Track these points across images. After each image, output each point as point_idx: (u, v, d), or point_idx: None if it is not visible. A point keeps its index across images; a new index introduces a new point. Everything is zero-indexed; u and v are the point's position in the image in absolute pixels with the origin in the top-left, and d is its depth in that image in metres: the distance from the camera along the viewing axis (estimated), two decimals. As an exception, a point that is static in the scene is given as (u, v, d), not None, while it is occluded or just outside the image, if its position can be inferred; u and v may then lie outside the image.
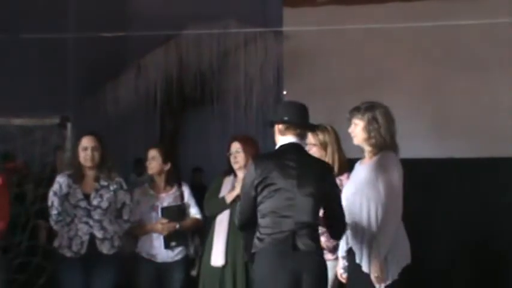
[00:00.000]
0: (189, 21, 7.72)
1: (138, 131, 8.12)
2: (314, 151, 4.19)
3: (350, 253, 3.85)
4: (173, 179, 4.74)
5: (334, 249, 4.10)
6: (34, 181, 5.78)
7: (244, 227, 3.57)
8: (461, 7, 7.06)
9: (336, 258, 4.17)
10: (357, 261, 3.78)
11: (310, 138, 4.23)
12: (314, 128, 4.00)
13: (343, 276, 4.01)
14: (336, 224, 3.54)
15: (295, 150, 3.51)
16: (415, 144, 6.06)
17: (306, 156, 3.57)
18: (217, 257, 4.38)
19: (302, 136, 3.57)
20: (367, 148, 3.87)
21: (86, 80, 7.93)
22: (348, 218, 3.71)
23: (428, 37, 7.11)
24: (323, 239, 3.90)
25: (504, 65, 7.13)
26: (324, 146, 4.25)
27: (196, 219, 4.72)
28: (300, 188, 3.41)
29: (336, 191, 3.56)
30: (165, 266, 4.58)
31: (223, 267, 4.35)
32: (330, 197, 3.49)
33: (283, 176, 3.42)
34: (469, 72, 7.12)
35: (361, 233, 3.75)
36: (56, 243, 4.34)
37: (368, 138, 3.80)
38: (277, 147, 3.57)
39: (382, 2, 7.39)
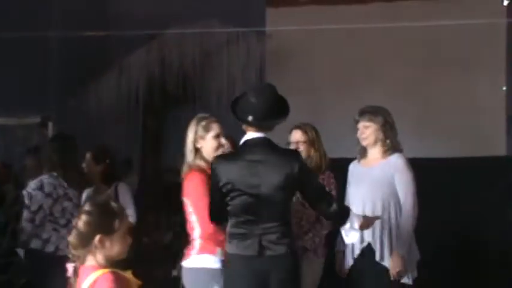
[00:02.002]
0: (172, 21, 7.69)
1: (121, 131, 8.06)
2: (302, 149, 4.26)
3: (366, 251, 3.92)
4: (109, 179, 4.75)
5: (318, 250, 4.13)
6: (14, 181, 5.73)
7: (217, 223, 3.52)
8: (444, 7, 7.09)
9: (318, 258, 4.20)
10: (377, 259, 3.88)
11: (299, 135, 4.30)
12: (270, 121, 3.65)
13: (343, 272, 4.07)
14: (325, 207, 3.41)
15: (259, 145, 3.39)
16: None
17: (271, 150, 3.41)
18: None
19: (265, 128, 3.44)
20: (379, 149, 4.00)
21: (67, 80, 7.86)
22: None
23: (410, 37, 7.13)
24: (310, 235, 3.95)
25: (486, 65, 7.18)
26: (311, 143, 4.32)
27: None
28: (265, 186, 3.31)
29: (310, 176, 3.46)
30: None
31: None
32: (304, 183, 3.38)
33: (245, 178, 3.33)
34: (452, 72, 7.15)
35: (381, 231, 3.86)
36: None
37: (384, 139, 3.95)
38: (241, 142, 3.49)
39: (365, 2, 7.41)
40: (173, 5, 7.90)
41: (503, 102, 7.31)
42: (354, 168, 4.23)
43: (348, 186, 4.28)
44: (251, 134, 3.42)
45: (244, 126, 3.46)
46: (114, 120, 8.09)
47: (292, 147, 4.35)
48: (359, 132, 4.13)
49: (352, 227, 3.43)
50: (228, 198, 3.36)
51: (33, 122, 5.42)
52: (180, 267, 4.57)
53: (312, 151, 4.32)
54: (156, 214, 8.00)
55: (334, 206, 3.41)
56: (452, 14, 6.86)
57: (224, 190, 3.36)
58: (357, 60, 7.35)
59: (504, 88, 7.30)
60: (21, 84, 7.22)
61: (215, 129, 3.73)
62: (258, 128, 3.40)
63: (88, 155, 4.75)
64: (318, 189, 3.45)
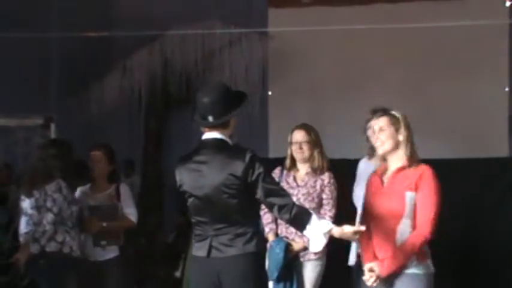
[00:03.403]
0: (174, 21, 7.69)
1: (123, 132, 8.07)
2: (305, 149, 4.25)
3: None
4: (113, 179, 4.78)
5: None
6: (16, 182, 5.75)
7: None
8: (446, 9, 7.09)
9: (318, 258, 4.20)
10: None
11: (302, 135, 4.29)
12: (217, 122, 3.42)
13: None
14: (276, 211, 3.23)
15: (209, 145, 3.32)
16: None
17: (219, 150, 3.31)
18: None
19: (221, 127, 3.33)
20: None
21: (70, 81, 7.88)
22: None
23: (412, 38, 7.13)
24: None
25: (488, 66, 7.19)
26: (314, 143, 4.31)
27: (129, 220, 4.76)
28: (209, 187, 3.26)
29: (259, 177, 3.23)
30: (98, 265, 4.63)
31: None
32: (250, 184, 3.23)
33: (192, 179, 3.30)
34: (454, 73, 7.16)
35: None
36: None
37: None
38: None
39: (366, 3, 7.41)
40: (175, 5, 7.91)
41: (506, 102, 7.31)
42: (364, 165, 4.20)
43: (356, 183, 4.25)
44: (206, 135, 3.38)
45: (201, 128, 3.41)
46: (116, 121, 8.10)
47: (294, 147, 4.36)
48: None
49: (319, 234, 3.24)
50: (186, 199, 3.37)
51: (36, 123, 5.43)
52: (183, 267, 4.60)
53: (315, 151, 4.33)
54: (158, 215, 8.01)
55: (290, 211, 3.20)
56: (455, 15, 6.86)
57: (181, 191, 3.37)
58: (358, 61, 7.36)
59: (507, 89, 7.30)
60: (24, 85, 7.23)
61: None
62: (212, 128, 3.34)
63: (99, 154, 4.76)
64: (270, 191, 3.24)
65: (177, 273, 5.26)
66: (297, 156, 4.37)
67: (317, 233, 3.24)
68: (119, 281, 4.74)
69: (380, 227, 3.41)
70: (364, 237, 3.48)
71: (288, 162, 4.42)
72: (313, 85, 7.42)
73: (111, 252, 4.72)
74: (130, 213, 4.81)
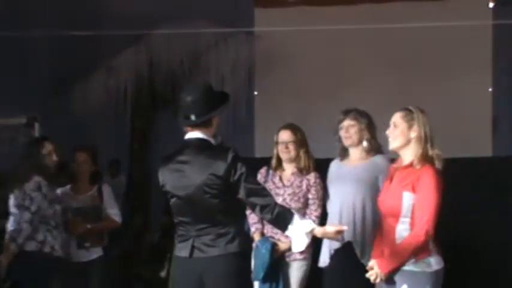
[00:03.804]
0: (160, 21, 7.68)
1: (108, 131, 8.05)
2: (291, 149, 4.29)
3: (345, 249, 3.92)
4: (96, 180, 4.78)
5: (304, 249, 4.13)
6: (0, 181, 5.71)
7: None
8: (429, 10, 7.14)
9: (304, 258, 4.22)
10: (358, 257, 3.88)
11: (288, 135, 4.33)
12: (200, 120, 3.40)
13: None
14: (258, 211, 3.24)
15: (192, 145, 3.32)
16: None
17: (202, 150, 3.31)
18: None
19: (204, 126, 3.34)
20: (361, 149, 4.03)
21: (54, 80, 7.84)
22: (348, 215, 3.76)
23: (398, 38, 7.17)
24: None
25: (472, 66, 7.24)
26: (300, 143, 4.35)
27: (113, 221, 4.76)
28: (190, 187, 3.26)
29: (241, 177, 3.23)
30: (81, 266, 4.62)
31: None
32: (232, 184, 3.23)
33: (174, 179, 3.30)
34: (438, 73, 7.21)
35: (361, 229, 3.86)
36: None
37: (369, 139, 4.00)
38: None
39: (353, 3, 7.44)
40: (162, 5, 7.89)
41: (490, 103, 7.37)
42: (335, 167, 4.25)
43: (328, 184, 4.28)
44: (189, 134, 3.38)
45: (184, 128, 3.41)
46: (101, 121, 8.07)
47: (280, 147, 4.37)
48: (343, 131, 4.14)
49: (301, 234, 3.25)
50: (169, 200, 3.38)
51: (19, 123, 5.41)
52: (168, 267, 4.60)
53: (301, 151, 4.35)
54: (144, 215, 8.00)
55: (272, 210, 3.21)
56: (439, 16, 6.91)
57: (164, 191, 3.38)
58: (344, 61, 7.39)
59: (490, 89, 7.36)
60: (7, 84, 7.19)
61: None
62: (195, 127, 3.34)
63: (84, 155, 4.75)
64: (252, 191, 3.23)
65: (163, 273, 5.26)
66: (283, 156, 4.38)
67: (299, 232, 3.26)
68: (102, 281, 4.73)
69: (384, 225, 3.46)
70: (378, 234, 3.54)
71: (274, 162, 4.44)
72: (299, 85, 7.44)
73: (95, 253, 4.71)
74: (114, 213, 4.81)
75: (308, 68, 7.49)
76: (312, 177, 4.32)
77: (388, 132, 3.49)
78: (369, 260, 3.87)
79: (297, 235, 3.27)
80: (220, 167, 3.23)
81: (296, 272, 4.25)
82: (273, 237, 4.29)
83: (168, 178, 3.34)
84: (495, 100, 7.41)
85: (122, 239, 6.52)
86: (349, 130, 4.13)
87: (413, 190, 3.32)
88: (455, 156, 6.43)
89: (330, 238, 3.50)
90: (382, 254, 3.44)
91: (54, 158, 4.48)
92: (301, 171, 4.34)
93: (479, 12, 7.19)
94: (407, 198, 3.33)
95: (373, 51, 7.34)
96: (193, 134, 3.35)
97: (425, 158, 3.38)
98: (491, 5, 7.28)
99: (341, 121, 4.17)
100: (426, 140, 3.41)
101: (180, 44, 7.75)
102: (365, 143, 4.11)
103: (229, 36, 7.81)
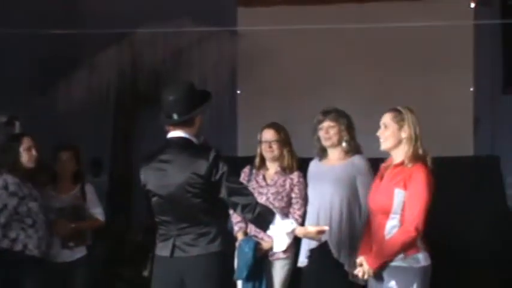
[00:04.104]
0: (143, 19, 7.65)
1: (91, 130, 8.01)
2: (275, 148, 4.30)
3: (322, 249, 3.94)
4: (78, 179, 4.76)
5: (287, 248, 4.14)
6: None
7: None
8: (411, 9, 7.18)
9: (287, 257, 4.24)
10: (335, 256, 3.89)
11: (271, 134, 4.33)
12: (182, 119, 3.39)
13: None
14: (239, 210, 3.25)
15: (174, 144, 3.32)
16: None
17: (183, 149, 3.32)
18: None
19: (186, 125, 3.34)
20: (341, 150, 4.05)
21: (36, 78, 7.78)
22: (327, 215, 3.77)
23: (379, 38, 7.20)
24: None
25: (454, 66, 7.29)
26: (284, 142, 4.35)
27: (97, 220, 4.75)
28: (172, 186, 3.26)
29: (222, 177, 3.23)
30: (65, 266, 4.59)
31: None
32: (213, 184, 3.23)
33: (156, 178, 3.30)
34: (417, 74, 7.25)
35: (338, 229, 3.88)
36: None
37: (348, 140, 4.00)
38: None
39: (336, 3, 7.46)
40: (145, 3, 7.87)
41: (471, 103, 7.43)
42: (314, 166, 4.27)
43: (307, 184, 4.30)
44: (171, 133, 3.38)
45: (166, 127, 3.40)
46: (84, 120, 8.04)
47: (264, 146, 4.38)
48: (322, 132, 4.15)
49: (283, 234, 3.26)
50: (151, 199, 3.38)
51: (0, 121, 5.38)
52: (151, 267, 4.59)
53: (285, 150, 4.36)
54: (127, 214, 7.97)
55: (253, 210, 3.21)
56: (421, 16, 6.94)
57: (146, 191, 3.38)
58: (327, 60, 7.40)
59: (471, 89, 7.42)
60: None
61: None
62: (177, 126, 3.34)
63: (68, 154, 4.72)
64: (233, 190, 3.24)
65: (145, 273, 5.24)
66: (267, 155, 4.39)
67: (280, 232, 3.27)
68: (86, 280, 4.71)
69: (374, 221, 3.51)
70: (365, 232, 3.59)
71: (257, 161, 4.44)
72: (282, 84, 7.44)
73: (79, 253, 4.69)
74: (98, 212, 4.80)
75: (291, 67, 7.50)
76: (295, 176, 4.34)
77: (378, 133, 3.55)
78: (346, 258, 3.89)
79: (278, 235, 3.29)
80: (202, 166, 3.23)
81: (279, 271, 4.26)
82: (256, 237, 4.30)
83: (150, 177, 3.34)
84: (476, 100, 7.47)
85: (105, 238, 6.51)
86: (329, 131, 4.13)
87: (405, 187, 3.38)
88: (436, 155, 6.49)
89: (311, 238, 3.52)
90: (370, 251, 3.48)
91: (34, 152, 4.43)
92: (285, 170, 4.36)
93: (461, 13, 7.25)
94: (399, 195, 3.39)
95: (356, 50, 7.37)
96: (175, 133, 3.35)
97: (416, 157, 3.46)
98: (472, 5, 7.34)
99: (320, 122, 4.16)
100: (416, 139, 3.49)
101: (162, 43, 7.73)
102: (344, 144, 4.12)
103: (212, 35, 7.79)
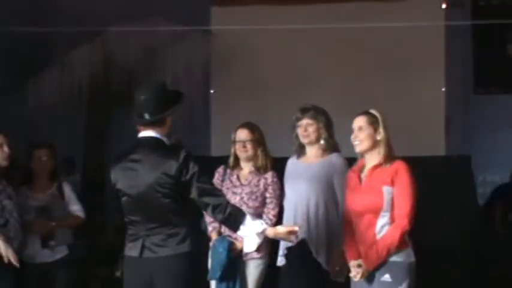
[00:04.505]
0: (116, 18, 7.60)
1: (63, 129, 7.93)
2: (249, 147, 4.30)
3: (299, 247, 3.95)
4: (55, 177, 4.72)
5: (261, 249, 4.15)
6: None
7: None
8: (384, 9, 7.23)
9: (261, 257, 4.24)
10: (314, 255, 3.91)
11: (246, 134, 4.33)
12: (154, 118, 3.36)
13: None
14: (210, 211, 3.25)
15: (145, 144, 3.32)
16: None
17: (154, 149, 3.31)
18: None
19: (157, 125, 3.32)
20: (318, 147, 4.06)
21: (7, 77, 7.68)
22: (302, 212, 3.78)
23: (353, 38, 7.24)
24: None
25: (426, 66, 7.36)
26: (258, 142, 4.35)
27: (77, 217, 4.72)
28: (142, 186, 3.25)
29: (193, 177, 3.23)
30: (46, 267, 4.53)
31: None
32: (183, 184, 3.23)
33: (126, 178, 3.30)
34: (390, 73, 7.30)
35: (316, 227, 3.89)
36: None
37: (327, 138, 4.01)
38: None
39: (310, 3, 7.48)
40: (118, 2, 7.82)
41: (443, 103, 7.50)
42: (292, 164, 4.28)
43: (284, 182, 4.30)
44: (142, 133, 3.37)
45: (137, 127, 3.39)
46: (56, 119, 7.96)
47: (238, 146, 4.38)
48: (301, 130, 4.17)
49: (253, 234, 3.27)
50: (120, 199, 3.36)
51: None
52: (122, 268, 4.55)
53: (259, 150, 4.36)
54: (100, 214, 7.90)
55: (224, 210, 3.21)
56: (393, 16, 7.00)
57: (115, 190, 3.36)
58: (301, 60, 7.43)
59: (443, 89, 7.50)
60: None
61: None
62: (148, 126, 3.32)
63: (45, 152, 4.66)
64: (204, 191, 3.24)
65: (118, 273, 5.20)
66: (241, 155, 4.39)
67: (250, 233, 3.27)
68: (68, 280, 4.66)
69: (361, 222, 3.54)
70: (347, 234, 3.59)
71: (231, 160, 4.44)
72: (256, 84, 7.45)
73: (60, 252, 4.63)
74: (78, 210, 4.75)
75: (265, 66, 7.51)
76: (269, 176, 4.34)
77: (353, 137, 3.62)
78: (324, 257, 3.91)
79: (249, 235, 3.30)
80: (172, 166, 3.23)
81: (253, 270, 4.26)
82: (230, 236, 4.29)
83: (120, 176, 3.33)
84: (448, 100, 7.55)
85: (85, 237, 6.46)
86: (307, 129, 4.15)
87: (392, 184, 3.48)
88: (409, 155, 6.55)
89: (281, 239, 3.53)
90: (359, 254, 3.52)
91: (6, 149, 4.36)
92: (259, 170, 4.36)
93: (432, 13, 7.32)
94: (388, 192, 3.47)
95: (329, 50, 7.40)
96: (146, 133, 3.34)
97: (392, 157, 3.58)
98: (443, 6, 7.41)
99: (299, 119, 4.19)
100: (389, 140, 3.60)
101: (136, 42, 7.68)
102: (322, 142, 4.15)
103: (185, 34, 7.77)
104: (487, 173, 8.26)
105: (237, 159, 4.43)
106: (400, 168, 3.52)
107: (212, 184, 3.45)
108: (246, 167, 4.41)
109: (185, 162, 3.23)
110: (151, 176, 3.24)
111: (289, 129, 4.26)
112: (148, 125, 3.32)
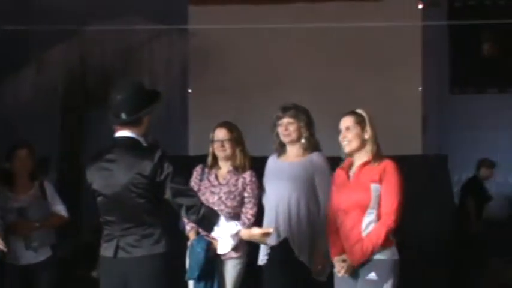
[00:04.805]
0: (92, 17, 7.54)
1: (37, 129, 7.84)
2: (227, 147, 4.28)
3: (281, 246, 3.94)
4: (35, 177, 4.67)
5: (239, 248, 4.13)
6: None
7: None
8: (362, 9, 7.27)
9: (239, 257, 4.23)
10: (296, 254, 3.91)
11: (224, 133, 4.31)
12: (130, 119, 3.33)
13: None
14: (184, 212, 3.23)
15: (121, 144, 3.30)
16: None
17: (130, 149, 3.29)
18: None
19: (133, 124, 3.30)
20: (299, 146, 4.06)
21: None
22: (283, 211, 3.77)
23: (331, 38, 7.27)
24: None
25: (403, 66, 7.41)
26: (236, 141, 4.34)
27: (60, 217, 4.68)
28: (116, 186, 3.24)
29: (167, 177, 3.21)
30: (30, 268, 4.49)
31: None
32: (158, 184, 3.21)
33: (101, 178, 3.28)
34: (368, 73, 7.34)
35: (297, 226, 3.89)
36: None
37: (307, 137, 4.02)
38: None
39: (289, 2, 7.49)
40: (94, 0, 7.76)
41: (420, 102, 7.56)
42: (272, 163, 4.27)
43: (265, 180, 4.30)
44: (118, 133, 3.35)
45: (114, 127, 3.36)
46: (31, 118, 7.87)
47: (216, 145, 4.36)
48: (281, 129, 4.16)
49: (227, 236, 3.26)
50: (96, 199, 3.35)
51: None
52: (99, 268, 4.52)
53: (237, 149, 4.35)
54: (76, 214, 7.83)
55: (198, 211, 3.19)
56: (371, 16, 7.04)
57: (91, 190, 3.35)
58: (280, 59, 7.43)
59: (420, 88, 7.55)
60: None
61: None
62: (124, 126, 3.30)
63: (25, 152, 4.60)
64: (178, 191, 3.22)
65: (95, 274, 5.16)
66: (219, 154, 4.37)
67: (225, 234, 3.27)
68: (52, 281, 4.61)
69: (347, 219, 3.56)
70: (331, 231, 3.60)
71: (209, 160, 4.42)
72: (234, 83, 7.44)
73: (43, 254, 4.57)
74: (61, 209, 4.70)
75: (243, 66, 7.50)
76: (247, 175, 4.33)
77: (341, 137, 3.65)
78: (306, 255, 3.92)
79: (223, 237, 3.29)
80: (147, 167, 3.21)
81: (231, 270, 4.24)
82: (208, 236, 4.27)
83: (95, 176, 3.31)
84: (425, 99, 7.60)
85: (69, 237, 6.41)
86: (288, 128, 4.15)
87: (380, 181, 3.52)
88: (386, 154, 6.58)
89: (256, 241, 3.52)
90: (343, 250, 3.54)
91: None
92: (237, 170, 4.34)
93: (410, 13, 7.37)
94: (375, 190, 3.50)
95: (308, 49, 7.42)
96: (122, 133, 3.32)
97: (380, 155, 3.63)
98: (420, 6, 7.47)
99: (280, 118, 4.18)
100: (376, 138, 3.65)
101: (112, 41, 7.62)
102: (303, 141, 4.15)
103: (162, 33, 7.73)
104: (463, 172, 8.34)
105: (215, 159, 4.41)
106: (388, 166, 3.56)
107: (187, 185, 3.44)
108: (225, 167, 4.39)
109: (160, 162, 3.22)
110: (126, 176, 3.23)
111: (270, 128, 4.25)
112: (125, 124, 3.29)
